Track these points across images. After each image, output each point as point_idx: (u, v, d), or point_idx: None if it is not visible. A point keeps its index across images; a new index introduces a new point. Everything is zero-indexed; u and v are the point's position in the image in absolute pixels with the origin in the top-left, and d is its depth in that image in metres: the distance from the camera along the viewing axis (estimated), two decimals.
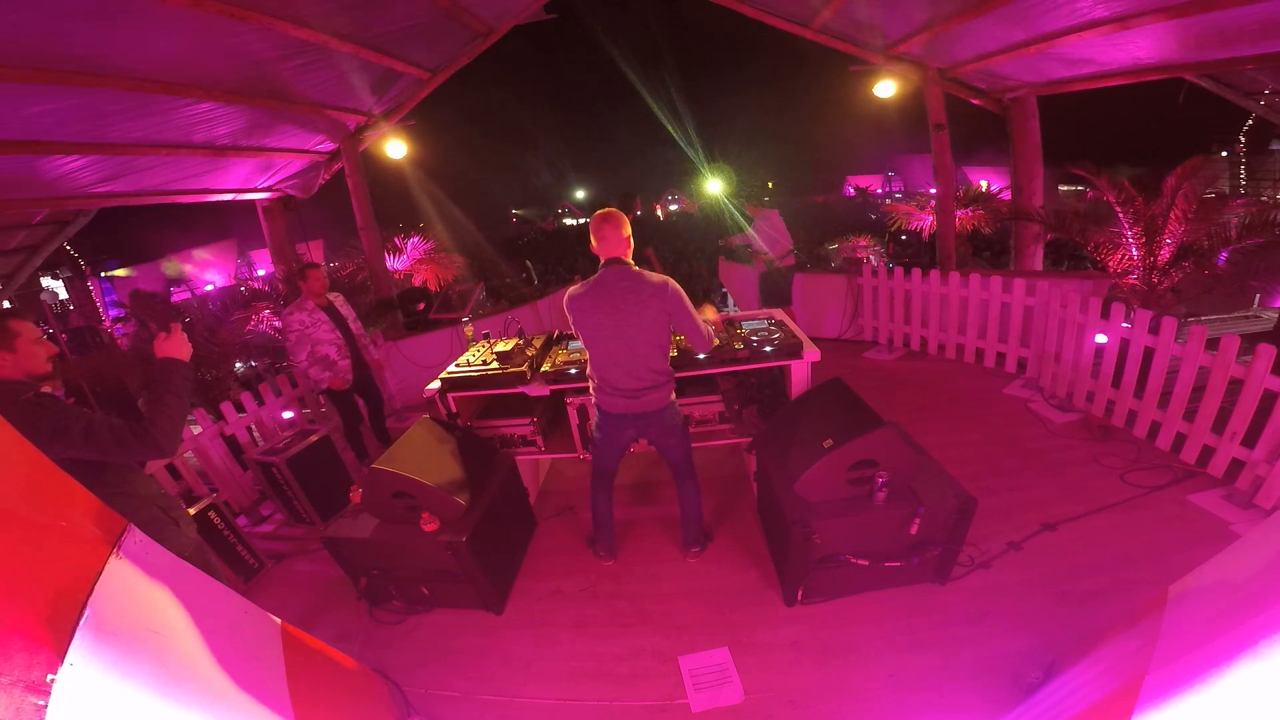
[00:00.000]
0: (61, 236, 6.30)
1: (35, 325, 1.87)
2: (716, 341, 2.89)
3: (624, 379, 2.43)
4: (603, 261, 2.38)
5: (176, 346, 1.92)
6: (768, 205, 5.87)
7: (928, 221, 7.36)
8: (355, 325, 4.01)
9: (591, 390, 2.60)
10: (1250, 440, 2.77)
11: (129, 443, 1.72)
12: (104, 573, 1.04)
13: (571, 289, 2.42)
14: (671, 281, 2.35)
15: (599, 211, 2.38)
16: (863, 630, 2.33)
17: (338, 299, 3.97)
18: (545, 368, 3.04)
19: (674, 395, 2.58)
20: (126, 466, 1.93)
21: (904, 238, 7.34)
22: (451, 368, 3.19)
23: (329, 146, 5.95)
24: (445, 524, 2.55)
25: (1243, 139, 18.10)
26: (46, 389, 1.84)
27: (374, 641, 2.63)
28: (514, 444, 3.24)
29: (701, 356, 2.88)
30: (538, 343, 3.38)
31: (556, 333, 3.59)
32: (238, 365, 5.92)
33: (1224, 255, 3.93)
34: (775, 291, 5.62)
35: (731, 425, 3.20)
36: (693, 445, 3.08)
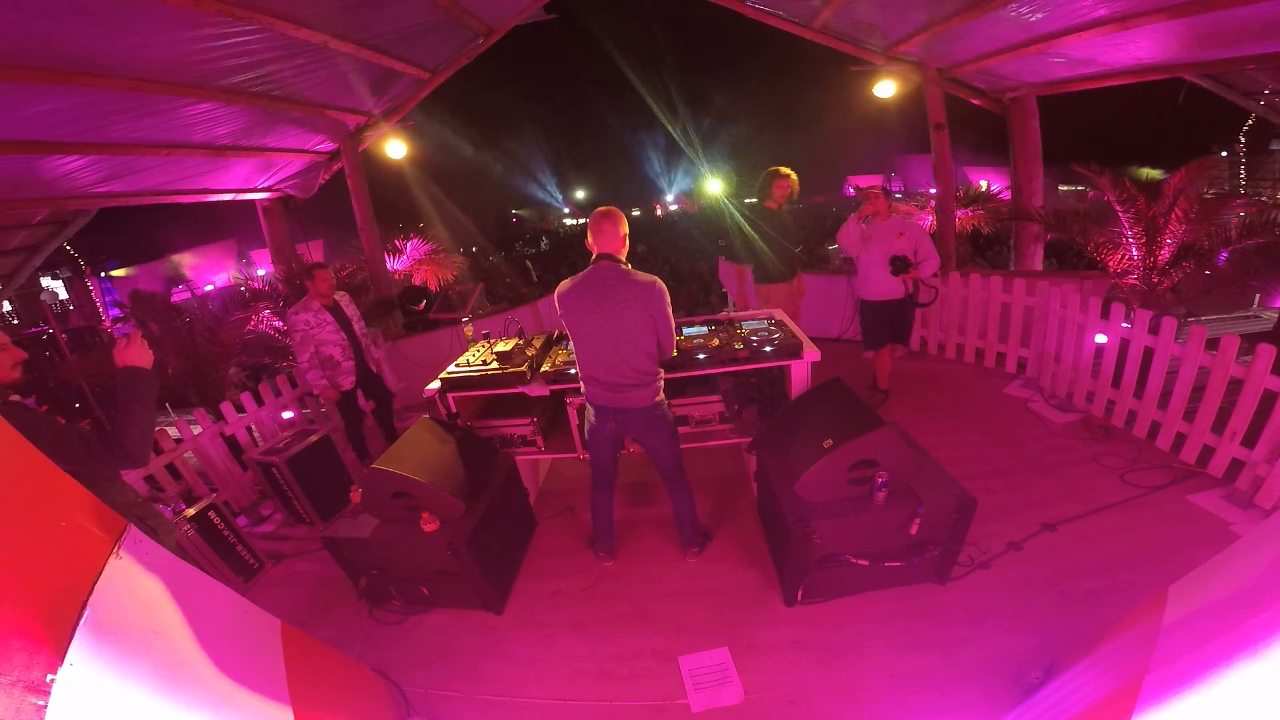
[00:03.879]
0: (61, 236, 6.31)
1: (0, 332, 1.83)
2: (675, 354, 2.72)
3: (605, 374, 2.43)
4: (594, 257, 2.37)
5: (137, 354, 1.85)
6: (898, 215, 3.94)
7: (928, 221, 7.35)
8: (359, 325, 4.00)
9: (579, 381, 2.60)
10: (1250, 440, 2.77)
11: (98, 453, 1.68)
12: (104, 573, 1.04)
13: (562, 284, 2.42)
14: (658, 282, 2.33)
15: (599, 209, 2.39)
16: (863, 630, 2.33)
17: (344, 299, 3.95)
18: (545, 368, 3.04)
19: (661, 395, 2.54)
20: (103, 475, 1.87)
21: None
22: (451, 368, 3.19)
23: (329, 146, 5.95)
24: (445, 524, 2.55)
25: (1243, 139, 18.13)
26: (15, 398, 1.80)
27: (374, 641, 2.63)
28: (514, 444, 3.23)
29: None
30: (538, 343, 3.38)
31: (556, 333, 3.59)
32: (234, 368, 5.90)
33: (1224, 255, 3.93)
34: (899, 322, 4.07)
35: (731, 425, 3.19)
36: (694, 445, 3.09)
